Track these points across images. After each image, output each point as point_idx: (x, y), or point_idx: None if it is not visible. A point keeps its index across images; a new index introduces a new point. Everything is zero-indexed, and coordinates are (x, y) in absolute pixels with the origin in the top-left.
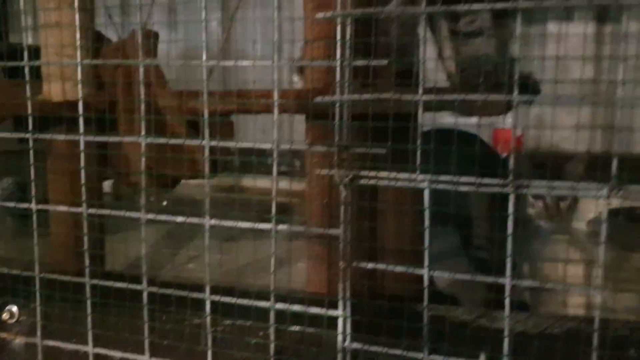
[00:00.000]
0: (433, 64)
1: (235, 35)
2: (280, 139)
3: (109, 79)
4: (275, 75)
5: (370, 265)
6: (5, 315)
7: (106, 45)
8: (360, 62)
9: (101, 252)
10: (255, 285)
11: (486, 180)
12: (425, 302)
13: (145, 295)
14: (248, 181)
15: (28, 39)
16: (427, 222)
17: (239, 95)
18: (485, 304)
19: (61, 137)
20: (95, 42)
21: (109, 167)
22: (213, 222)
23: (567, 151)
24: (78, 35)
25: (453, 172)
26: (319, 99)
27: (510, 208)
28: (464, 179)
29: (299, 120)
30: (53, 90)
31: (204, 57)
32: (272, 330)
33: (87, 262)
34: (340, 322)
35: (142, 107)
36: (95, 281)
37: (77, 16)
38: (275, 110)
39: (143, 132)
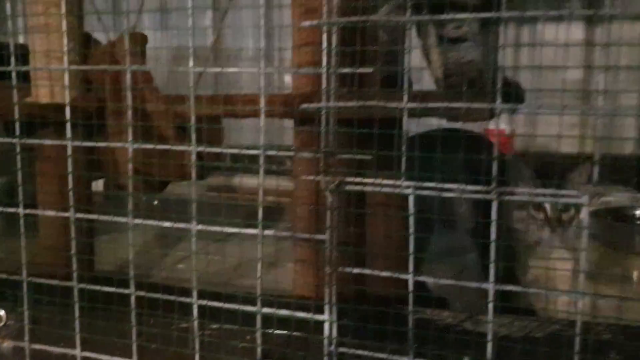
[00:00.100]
0: (420, 69)
1: (229, 30)
2: (268, 144)
3: (98, 81)
4: (262, 81)
5: (356, 270)
6: None
7: (95, 48)
8: (346, 70)
9: (90, 255)
10: (246, 286)
11: (469, 187)
12: (411, 306)
13: (132, 299)
14: (239, 180)
15: (17, 40)
16: (412, 229)
17: (225, 100)
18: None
19: (48, 142)
20: (84, 45)
21: (98, 170)
22: (200, 227)
23: (562, 153)
24: (65, 41)
25: (459, 174)
26: (304, 105)
27: (493, 215)
28: (448, 185)
29: (290, 122)
30: (42, 93)
31: (191, 64)
32: (258, 335)
33: (74, 266)
34: (326, 326)
35: (129, 113)
36: (82, 285)
37: (63, 22)
38: (262, 117)
39: (130, 138)
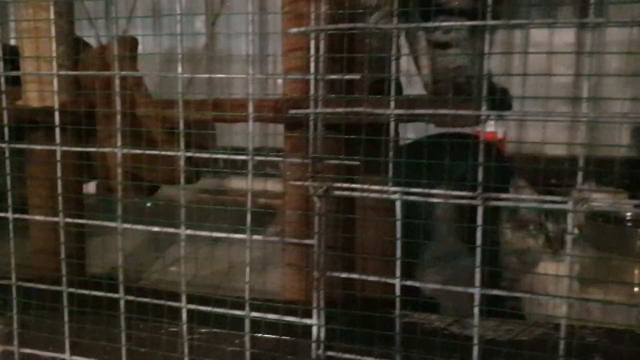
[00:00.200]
0: (409, 74)
1: (222, 34)
2: (257, 149)
3: (89, 85)
4: (250, 87)
5: (344, 275)
6: None
7: (86, 52)
8: (333, 76)
9: (81, 258)
10: (237, 289)
11: (455, 193)
12: (398, 310)
13: (122, 303)
14: (231, 182)
15: (7, 43)
16: (398, 234)
17: (215, 105)
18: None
19: (37, 147)
20: (75, 48)
21: (89, 174)
22: (189, 232)
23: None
24: (54, 46)
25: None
26: (293, 111)
27: (479, 220)
28: (434, 190)
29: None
30: (32, 96)
31: (179, 70)
32: (247, 339)
33: (64, 270)
34: (314, 330)
35: (118, 118)
36: (72, 289)
37: (52, 27)
38: (251, 122)
39: (119, 144)
